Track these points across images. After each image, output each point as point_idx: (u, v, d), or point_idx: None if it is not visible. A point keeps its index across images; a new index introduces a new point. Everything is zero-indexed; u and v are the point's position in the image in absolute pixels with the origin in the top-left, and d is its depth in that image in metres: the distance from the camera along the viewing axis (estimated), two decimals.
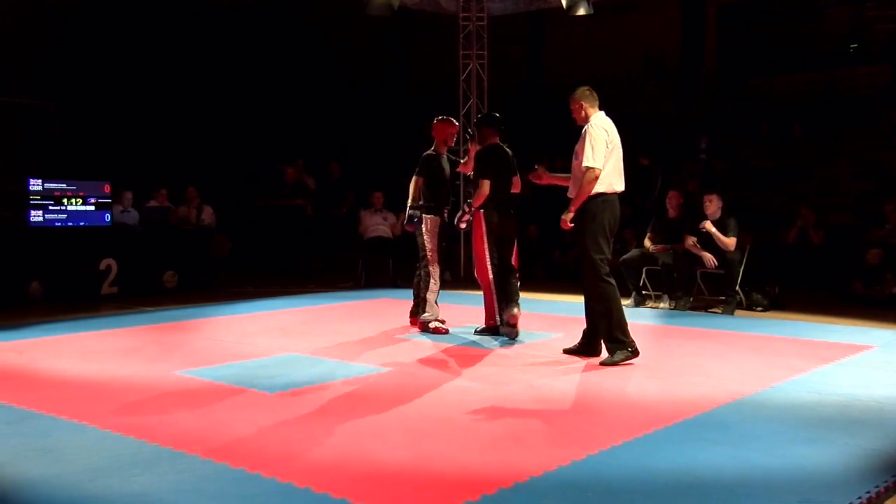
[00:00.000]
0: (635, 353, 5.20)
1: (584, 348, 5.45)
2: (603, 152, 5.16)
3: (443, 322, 6.45)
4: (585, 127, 5.24)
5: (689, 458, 3.39)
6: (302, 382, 4.70)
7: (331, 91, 15.76)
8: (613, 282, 5.24)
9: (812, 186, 11.51)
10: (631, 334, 5.23)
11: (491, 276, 6.10)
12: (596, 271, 5.19)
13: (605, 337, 5.24)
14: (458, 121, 11.03)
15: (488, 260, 6.09)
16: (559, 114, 16.50)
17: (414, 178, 6.48)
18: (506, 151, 6.29)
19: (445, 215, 6.51)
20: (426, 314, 6.43)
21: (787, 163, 11.94)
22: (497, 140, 6.27)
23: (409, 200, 6.46)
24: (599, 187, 5.17)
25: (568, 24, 13.38)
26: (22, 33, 12.22)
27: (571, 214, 5.22)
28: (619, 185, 5.29)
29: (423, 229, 6.39)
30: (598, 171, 5.13)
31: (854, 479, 3.16)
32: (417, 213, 6.37)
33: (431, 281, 6.41)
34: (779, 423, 3.94)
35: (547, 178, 5.74)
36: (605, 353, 5.25)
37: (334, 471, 3.22)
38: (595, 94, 5.37)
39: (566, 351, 5.54)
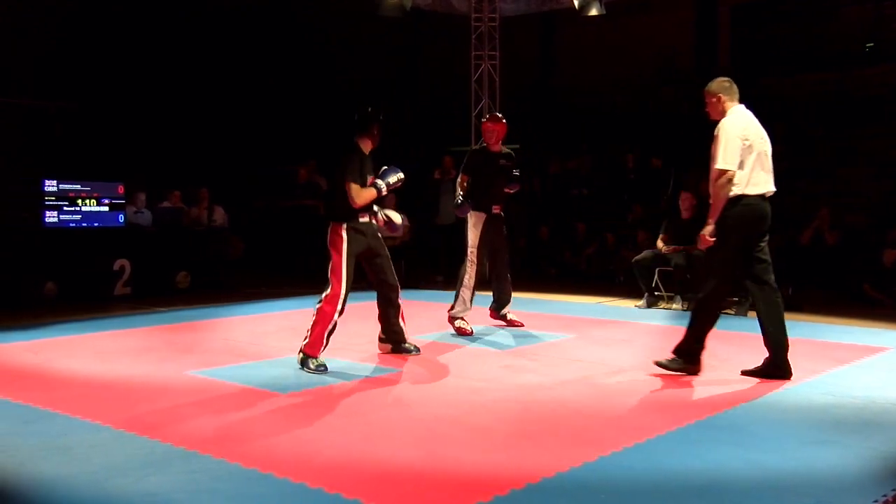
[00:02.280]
0: (695, 372, 4.82)
1: (769, 369, 4.82)
2: (737, 151, 4.59)
3: (467, 323, 6.39)
4: (718, 124, 4.73)
5: (702, 459, 3.38)
6: (313, 383, 4.71)
7: (342, 91, 15.78)
8: (727, 301, 4.85)
9: (826, 187, 11.43)
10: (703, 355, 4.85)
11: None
12: (717, 298, 4.73)
13: (684, 341, 4.81)
14: (474, 121, 11.12)
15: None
16: (571, 114, 16.49)
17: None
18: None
19: (494, 211, 6.47)
20: (456, 309, 6.40)
21: (801, 163, 11.85)
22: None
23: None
24: (737, 189, 4.61)
25: (580, 25, 13.35)
26: (33, 35, 12.31)
27: (711, 227, 4.65)
28: (763, 186, 4.68)
29: (469, 223, 6.44)
30: (731, 173, 4.57)
31: (869, 483, 3.14)
32: (461, 199, 6.38)
33: (466, 276, 6.39)
34: (792, 425, 3.91)
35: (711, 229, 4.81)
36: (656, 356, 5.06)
37: (346, 471, 3.23)
38: (735, 87, 4.79)
39: (745, 372, 4.91)
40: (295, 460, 3.34)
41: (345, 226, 5.07)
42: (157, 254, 9.31)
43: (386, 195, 5.39)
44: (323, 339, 5.01)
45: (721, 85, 4.80)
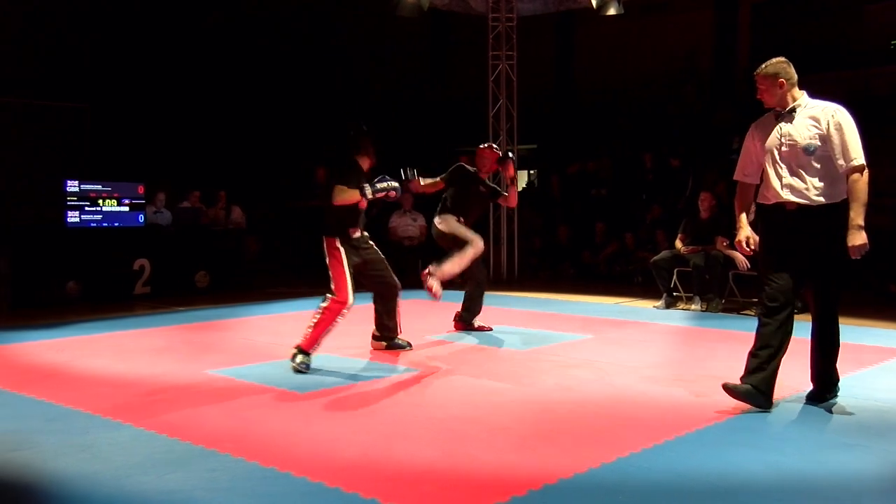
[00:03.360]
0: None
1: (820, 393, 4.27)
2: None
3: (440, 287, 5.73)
4: (825, 112, 4.07)
5: (721, 461, 3.35)
6: (332, 383, 4.73)
7: (360, 92, 15.84)
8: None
9: None
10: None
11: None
12: (837, 307, 4.12)
13: (831, 377, 4.18)
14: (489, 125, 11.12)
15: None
16: (589, 115, 16.40)
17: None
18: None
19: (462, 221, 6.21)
20: (443, 268, 5.81)
21: None
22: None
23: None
24: (845, 192, 4.01)
25: (598, 25, 13.30)
26: (57, 36, 12.46)
27: (863, 232, 3.95)
28: None
29: (441, 226, 6.15)
30: (866, 171, 3.98)
31: (893, 487, 3.10)
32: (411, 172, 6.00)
33: (471, 250, 5.94)
34: (814, 427, 3.87)
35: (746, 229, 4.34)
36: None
37: (364, 471, 3.24)
38: (793, 68, 4.17)
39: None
40: (313, 459, 3.36)
41: (338, 240, 5.16)
42: (177, 253, 9.39)
43: (384, 199, 5.32)
44: (319, 339, 5.09)
45: (782, 66, 4.14)
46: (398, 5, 10.44)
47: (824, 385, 4.24)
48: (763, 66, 4.17)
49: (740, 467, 3.28)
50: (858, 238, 3.93)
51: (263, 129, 14.51)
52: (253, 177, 13.20)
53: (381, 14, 11.50)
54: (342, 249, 5.16)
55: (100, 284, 8.61)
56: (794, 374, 4.96)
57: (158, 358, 5.47)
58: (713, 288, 8.01)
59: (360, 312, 6.59)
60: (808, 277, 4.11)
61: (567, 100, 15.82)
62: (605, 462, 3.31)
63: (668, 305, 8.14)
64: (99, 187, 8.82)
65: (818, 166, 4.04)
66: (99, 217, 8.79)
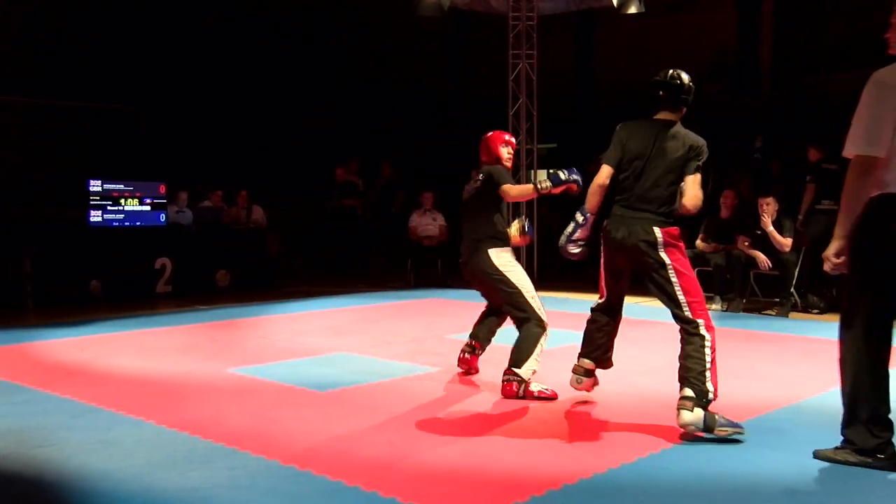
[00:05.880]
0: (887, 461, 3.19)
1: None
2: (880, 123, 3.00)
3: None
4: None
5: (745, 463, 3.32)
6: (351, 381, 4.75)
7: (381, 92, 15.88)
8: (870, 338, 3.22)
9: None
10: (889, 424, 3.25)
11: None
12: (851, 321, 3.17)
13: (845, 419, 3.28)
14: (508, 125, 11.08)
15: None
16: (610, 114, 16.28)
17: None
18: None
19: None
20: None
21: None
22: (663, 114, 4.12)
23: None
24: (889, 186, 3.00)
25: (619, 23, 13.21)
26: (79, 38, 12.57)
27: (839, 244, 3.07)
28: None
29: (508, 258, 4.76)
30: (863, 159, 3.02)
31: None
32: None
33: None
34: (839, 429, 3.81)
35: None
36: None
37: (383, 470, 3.24)
38: None
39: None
40: (332, 458, 3.37)
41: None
42: (198, 252, 9.47)
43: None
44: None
45: None
46: (419, 4, 10.44)
47: None
48: None
49: (765, 469, 3.25)
50: (830, 249, 3.17)
51: (286, 129, 14.59)
52: (276, 176, 13.27)
53: (403, 13, 11.49)
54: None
55: (122, 283, 8.70)
56: (819, 374, 4.91)
57: (180, 356, 5.52)
58: (734, 288, 7.94)
59: (375, 312, 6.61)
60: None
61: (587, 99, 15.75)
62: (625, 463, 3.29)
63: None
64: (121, 187, 8.90)
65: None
66: (121, 216, 8.88)
